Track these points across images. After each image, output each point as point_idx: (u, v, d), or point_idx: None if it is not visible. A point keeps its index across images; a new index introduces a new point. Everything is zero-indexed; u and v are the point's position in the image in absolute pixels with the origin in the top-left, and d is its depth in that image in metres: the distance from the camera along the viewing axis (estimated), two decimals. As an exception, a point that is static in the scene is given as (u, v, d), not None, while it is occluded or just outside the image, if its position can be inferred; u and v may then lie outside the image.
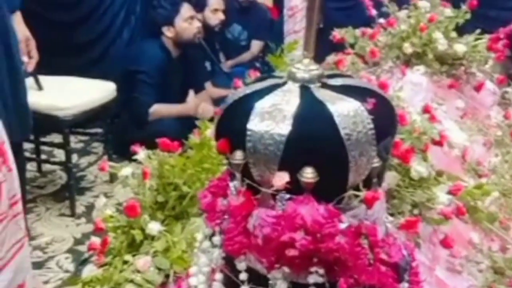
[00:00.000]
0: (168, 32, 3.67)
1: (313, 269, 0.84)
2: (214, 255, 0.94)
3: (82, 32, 4.02)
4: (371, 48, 2.35)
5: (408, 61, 2.37)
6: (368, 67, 2.39)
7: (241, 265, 0.90)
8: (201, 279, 0.98)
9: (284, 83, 0.92)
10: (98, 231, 1.57)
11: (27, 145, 3.35)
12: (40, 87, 3.13)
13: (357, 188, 0.85)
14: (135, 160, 1.65)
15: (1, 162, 1.35)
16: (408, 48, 2.33)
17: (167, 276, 1.36)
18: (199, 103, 3.75)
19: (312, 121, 0.86)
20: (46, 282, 2.57)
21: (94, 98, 3.28)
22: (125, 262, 1.39)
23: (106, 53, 4.08)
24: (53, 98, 3.12)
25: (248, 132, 0.86)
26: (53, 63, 3.27)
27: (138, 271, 1.34)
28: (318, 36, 0.99)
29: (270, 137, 0.85)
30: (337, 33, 2.49)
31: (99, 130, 3.66)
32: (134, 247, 1.47)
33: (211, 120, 1.75)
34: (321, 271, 0.84)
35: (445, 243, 1.45)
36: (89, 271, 2.35)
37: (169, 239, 1.42)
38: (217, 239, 0.93)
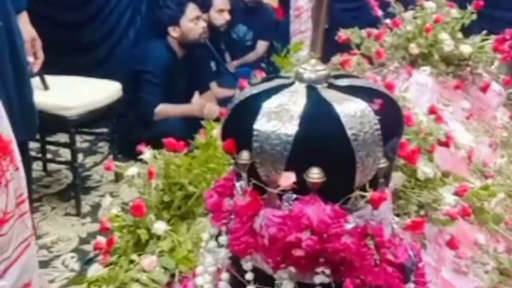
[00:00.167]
0: (173, 32, 3.68)
1: (319, 269, 0.84)
2: (220, 255, 0.94)
3: (88, 32, 4.03)
4: (377, 49, 2.34)
5: (414, 62, 2.37)
6: (373, 68, 2.39)
7: (247, 265, 0.90)
8: (207, 279, 0.98)
9: (291, 84, 0.92)
10: (104, 231, 1.58)
11: (33, 145, 3.36)
12: (46, 87, 3.14)
13: (363, 189, 0.85)
14: (140, 160, 1.66)
15: (8, 161, 1.36)
16: (414, 48, 2.32)
17: (172, 275, 1.36)
18: (205, 104, 3.75)
19: (319, 122, 0.86)
20: (51, 281, 2.58)
21: (100, 98, 3.29)
22: (131, 262, 1.40)
23: (112, 53, 4.09)
24: (59, 98, 3.14)
25: (255, 132, 0.86)
26: (59, 63, 3.28)
27: (144, 271, 1.34)
28: (325, 36, 0.99)
29: (276, 137, 0.85)
30: (342, 34, 2.48)
31: (104, 130, 3.67)
32: (139, 246, 1.48)
33: (217, 120, 1.76)
34: (327, 271, 0.84)
35: (451, 244, 1.45)
36: (95, 270, 2.36)
37: (175, 239, 1.43)
38: (223, 239, 0.93)
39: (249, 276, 0.90)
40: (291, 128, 0.84)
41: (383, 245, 0.87)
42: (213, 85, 4.03)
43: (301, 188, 0.84)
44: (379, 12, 2.51)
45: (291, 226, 0.83)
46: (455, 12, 2.42)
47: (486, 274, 1.49)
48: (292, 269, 0.85)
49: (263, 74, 2.02)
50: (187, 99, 3.78)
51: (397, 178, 1.37)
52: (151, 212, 1.51)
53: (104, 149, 3.71)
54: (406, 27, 2.38)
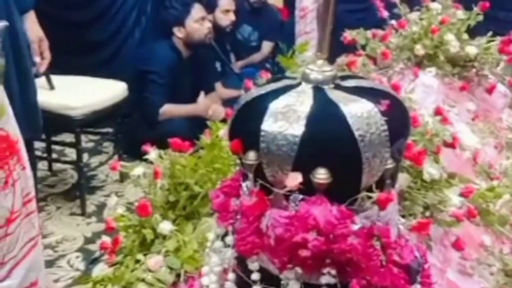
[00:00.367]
0: (178, 32, 3.68)
1: (325, 270, 0.84)
2: (226, 255, 0.94)
3: (94, 32, 4.04)
4: (383, 50, 2.34)
5: (419, 63, 2.36)
6: (378, 69, 2.39)
7: (253, 265, 0.90)
8: (213, 279, 0.98)
9: (297, 84, 0.93)
10: (109, 230, 1.58)
11: (39, 144, 3.37)
12: (52, 87, 3.14)
13: (370, 189, 0.85)
14: (145, 160, 1.66)
15: (15, 160, 1.36)
16: (419, 50, 2.32)
17: (178, 275, 1.37)
18: (210, 104, 3.75)
19: (326, 122, 0.86)
20: (56, 281, 2.58)
21: (106, 97, 3.29)
22: (137, 261, 1.40)
23: (117, 53, 4.10)
24: (65, 98, 3.14)
25: (262, 133, 0.86)
26: (65, 62, 3.29)
27: (150, 270, 1.35)
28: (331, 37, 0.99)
29: (283, 138, 0.85)
30: (348, 35, 2.48)
31: (109, 130, 3.68)
32: (145, 246, 1.48)
33: (222, 121, 1.76)
34: (334, 272, 0.84)
35: (457, 246, 1.45)
36: (100, 270, 2.37)
37: (180, 239, 1.43)
38: (229, 239, 0.93)
39: (255, 276, 0.90)
40: (297, 129, 0.85)
41: (389, 246, 0.87)
42: (218, 85, 4.03)
43: (308, 188, 0.84)
44: (385, 13, 2.51)
45: (298, 226, 0.83)
46: (460, 13, 2.42)
47: (491, 275, 1.49)
48: (298, 269, 0.85)
49: (269, 75, 2.02)
50: (192, 99, 3.79)
51: (403, 179, 1.37)
52: (156, 212, 1.51)
53: (109, 149, 3.72)
54: (412, 28, 2.38)
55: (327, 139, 0.85)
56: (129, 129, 3.65)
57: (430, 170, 1.41)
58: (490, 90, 2.38)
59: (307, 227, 0.83)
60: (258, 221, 0.88)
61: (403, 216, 1.21)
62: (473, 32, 2.45)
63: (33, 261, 1.46)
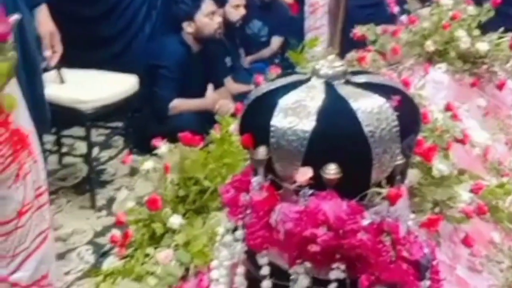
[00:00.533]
0: (188, 27, 3.68)
1: (334, 265, 0.84)
2: (236, 249, 0.95)
3: (105, 27, 4.05)
4: (393, 45, 2.33)
5: (430, 59, 2.36)
6: (388, 65, 2.38)
7: (263, 259, 0.90)
8: (223, 273, 0.98)
9: (308, 79, 0.93)
10: (119, 224, 1.59)
11: (49, 138, 3.39)
12: (62, 81, 3.16)
13: (380, 185, 0.85)
14: (155, 155, 1.67)
15: (26, 153, 1.37)
16: (430, 46, 2.32)
17: (187, 269, 1.37)
18: (218, 98, 3.76)
19: (336, 118, 0.86)
20: (66, 273, 2.60)
21: (116, 92, 3.30)
22: (147, 255, 1.41)
23: (128, 48, 4.11)
24: (76, 92, 3.16)
25: (272, 128, 0.86)
26: (75, 57, 3.29)
27: (159, 264, 1.35)
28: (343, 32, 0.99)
29: (293, 133, 0.85)
30: (357, 30, 2.48)
31: (119, 124, 3.69)
32: (155, 240, 1.49)
33: (232, 116, 1.77)
34: (343, 267, 0.84)
35: (466, 242, 1.45)
36: (109, 263, 2.38)
37: (190, 233, 1.44)
38: (239, 233, 0.93)
39: (264, 270, 0.90)
40: (308, 124, 0.85)
41: (399, 242, 0.87)
42: (228, 80, 4.03)
43: (318, 184, 0.84)
44: (395, 9, 2.51)
45: (307, 221, 0.83)
46: (472, 9, 2.41)
47: (500, 272, 1.49)
48: (307, 264, 0.85)
49: (279, 70, 2.02)
50: (202, 94, 3.79)
51: (412, 175, 1.37)
52: (166, 206, 1.52)
53: (119, 143, 3.74)
54: (422, 24, 2.37)
55: (337, 134, 0.85)
56: (139, 123, 3.67)
57: (440, 166, 1.41)
58: (500, 87, 2.37)
59: (317, 222, 0.83)
60: (268, 216, 0.88)
61: (412, 213, 1.21)
62: (484, 28, 2.44)
63: (44, 254, 1.47)
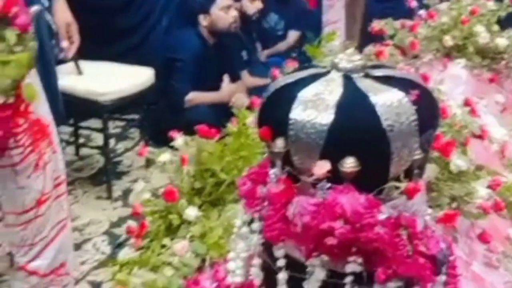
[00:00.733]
0: (204, 20, 3.69)
1: (351, 258, 0.84)
2: (252, 241, 0.95)
3: (123, 19, 4.06)
4: (412, 40, 2.32)
5: (448, 54, 2.34)
6: (406, 59, 2.37)
7: (279, 252, 0.90)
8: (239, 264, 0.99)
9: (327, 73, 0.92)
10: (136, 215, 1.61)
11: (66, 129, 3.42)
12: (80, 72, 3.17)
13: (397, 179, 0.85)
14: (171, 147, 1.68)
15: (46, 143, 1.39)
16: (448, 41, 2.30)
17: (203, 260, 1.38)
18: (234, 92, 3.76)
19: (354, 111, 0.86)
20: (82, 263, 2.63)
21: (133, 84, 3.32)
22: (163, 246, 1.42)
23: (145, 40, 4.11)
24: (93, 83, 3.17)
25: (291, 121, 0.86)
26: (93, 49, 3.31)
27: (175, 255, 1.36)
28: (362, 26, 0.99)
29: (312, 126, 0.85)
30: (375, 25, 2.47)
31: (136, 116, 3.71)
32: (171, 231, 1.50)
33: (248, 109, 1.77)
34: (360, 260, 0.84)
35: (483, 238, 1.44)
36: (125, 254, 2.40)
37: (206, 225, 1.44)
38: (256, 225, 0.94)
39: (280, 262, 0.90)
40: (326, 117, 0.85)
41: (416, 236, 0.87)
42: (245, 74, 4.03)
43: (335, 177, 0.84)
44: (414, 3, 2.49)
45: (325, 214, 0.84)
46: (491, 4, 2.39)
47: (517, 269, 1.48)
48: (324, 257, 0.85)
49: (296, 64, 2.02)
50: (217, 87, 3.80)
51: (430, 170, 1.37)
52: (182, 198, 1.53)
53: (135, 135, 3.76)
54: (441, 19, 2.35)
55: (356, 128, 0.85)
56: (155, 116, 3.68)
57: (457, 161, 1.40)
58: (519, 83, 2.35)
59: (334, 215, 0.83)
60: (285, 208, 0.88)
61: (429, 207, 1.21)
62: (504, 24, 2.42)
63: (62, 243, 1.49)
